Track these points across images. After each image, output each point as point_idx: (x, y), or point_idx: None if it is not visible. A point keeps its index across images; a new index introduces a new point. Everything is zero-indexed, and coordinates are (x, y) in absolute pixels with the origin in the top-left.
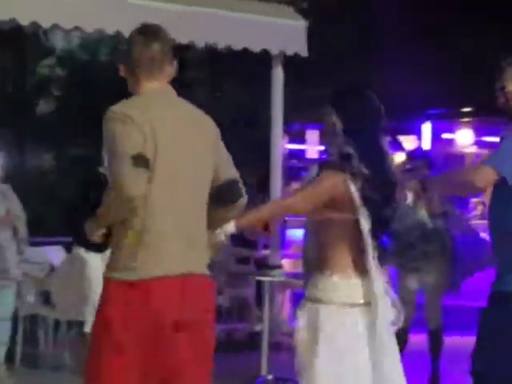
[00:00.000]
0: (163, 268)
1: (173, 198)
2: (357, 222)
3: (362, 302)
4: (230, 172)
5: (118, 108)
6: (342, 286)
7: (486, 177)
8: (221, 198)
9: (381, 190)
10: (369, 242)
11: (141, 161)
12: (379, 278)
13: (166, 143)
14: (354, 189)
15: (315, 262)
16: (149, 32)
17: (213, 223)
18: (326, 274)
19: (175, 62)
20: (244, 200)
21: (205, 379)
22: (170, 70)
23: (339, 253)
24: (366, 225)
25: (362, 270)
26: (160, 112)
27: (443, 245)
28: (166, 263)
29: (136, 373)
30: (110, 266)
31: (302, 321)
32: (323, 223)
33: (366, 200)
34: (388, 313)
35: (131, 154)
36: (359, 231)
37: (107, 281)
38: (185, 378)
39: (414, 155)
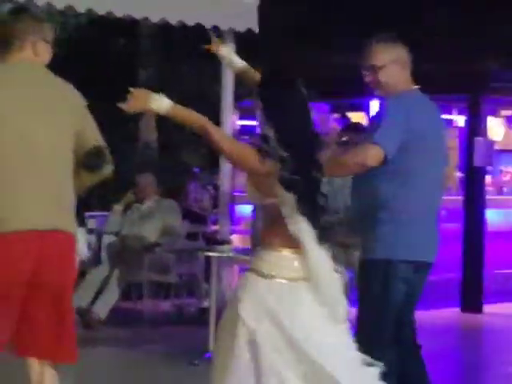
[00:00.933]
0: (22, 223)
1: (30, 161)
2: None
3: (304, 276)
4: (97, 139)
5: None
6: (284, 260)
7: (377, 155)
8: (86, 163)
9: (301, 171)
10: (292, 222)
11: None
12: (317, 254)
13: (16, 109)
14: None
15: (261, 238)
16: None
17: (79, 187)
18: (270, 249)
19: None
20: (109, 168)
21: (57, 341)
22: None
23: (279, 230)
24: (285, 207)
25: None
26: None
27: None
28: (26, 219)
29: None
30: None
31: (242, 292)
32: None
33: (286, 182)
34: (331, 284)
35: None
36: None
37: None
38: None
39: (348, 128)
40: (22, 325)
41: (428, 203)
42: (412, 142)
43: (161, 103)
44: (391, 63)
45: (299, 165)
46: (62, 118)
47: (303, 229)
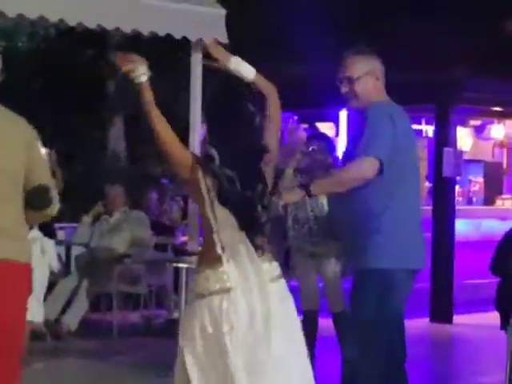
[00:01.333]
0: None
1: None
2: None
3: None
4: (44, 178)
5: None
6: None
7: (375, 166)
8: (30, 202)
9: (244, 186)
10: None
11: None
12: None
13: None
14: (204, 188)
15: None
16: None
17: (28, 220)
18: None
19: None
20: (54, 208)
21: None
22: None
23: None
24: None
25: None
26: None
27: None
28: None
29: None
30: None
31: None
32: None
33: (229, 200)
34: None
35: None
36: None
37: None
38: None
39: (314, 137)
40: None
41: (415, 211)
42: (398, 150)
43: (143, 74)
44: (366, 75)
45: (242, 180)
46: (14, 154)
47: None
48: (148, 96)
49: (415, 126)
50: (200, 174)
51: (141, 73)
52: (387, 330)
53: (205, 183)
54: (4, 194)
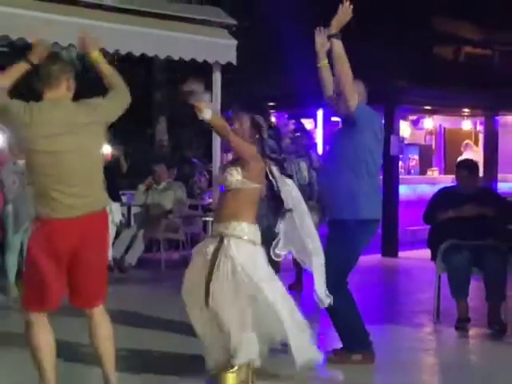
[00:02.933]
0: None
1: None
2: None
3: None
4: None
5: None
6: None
7: (355, 97)
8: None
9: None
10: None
11: None
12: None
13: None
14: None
15: (234, 213)
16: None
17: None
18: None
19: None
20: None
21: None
22: (64, 83)
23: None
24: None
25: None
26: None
27: (318, 193)
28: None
29: None
30: None
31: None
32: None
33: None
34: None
35: None
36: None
37: None
38: None
39: (298, 129)
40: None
41: (375, 179)
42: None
43: (207, 113)
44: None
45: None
46: (88, 131)
47: None
48: (218, 123)
49: None
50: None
51: (205, 112)
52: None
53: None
54: (88, 164)
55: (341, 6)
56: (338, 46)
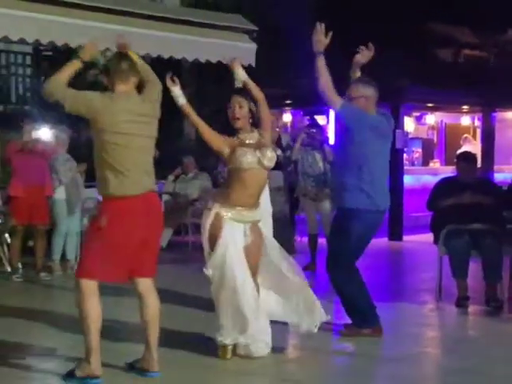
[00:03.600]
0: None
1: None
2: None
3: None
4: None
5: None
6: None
7: (337, 100)
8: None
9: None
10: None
11: None
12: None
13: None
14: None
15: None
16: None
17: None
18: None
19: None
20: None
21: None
22: (133, 79)
23: None
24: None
25: None
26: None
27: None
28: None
29: None
30: None
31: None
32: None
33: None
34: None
35: None
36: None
37: None
38: None
39: (312, 125)
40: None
41: (384, 169)
42: (370, 132)
43: (180, 96)
44: (359, 97)
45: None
46: (149, 119)
47: None
48: (188, 111)
49: None
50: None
51: (178, 95)
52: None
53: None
54: (149, 149)
55: (318, 26)
56: (321, 61)
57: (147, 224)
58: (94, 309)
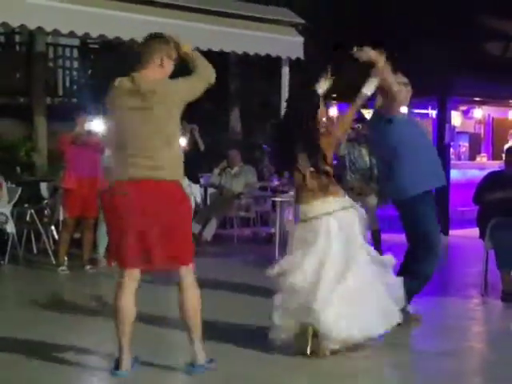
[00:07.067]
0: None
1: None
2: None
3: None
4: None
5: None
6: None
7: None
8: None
9: None
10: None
11: None
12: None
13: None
14: None
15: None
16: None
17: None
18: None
19: (168, 57)
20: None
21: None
22: (154, 61)
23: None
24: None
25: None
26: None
27: (377, 177)
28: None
29: None
30: None
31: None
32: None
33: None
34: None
35: None
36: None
37: None
38: None
39: (359, 119)
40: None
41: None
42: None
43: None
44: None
45: None
46: (167, 106)
47: None
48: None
49: (424, 111)
50: None
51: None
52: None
53: None
54: (147, 135)
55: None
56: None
57: (143, 212)
58: (125, 303)
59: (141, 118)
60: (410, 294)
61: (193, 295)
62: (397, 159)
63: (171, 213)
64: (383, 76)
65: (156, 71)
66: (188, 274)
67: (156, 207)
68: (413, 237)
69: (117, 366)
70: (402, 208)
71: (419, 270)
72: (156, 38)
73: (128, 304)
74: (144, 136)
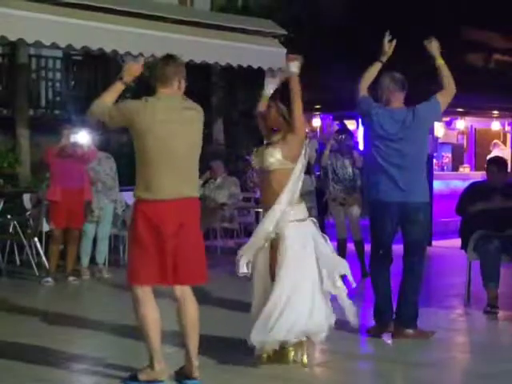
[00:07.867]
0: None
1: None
2: None
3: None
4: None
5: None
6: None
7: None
8: None
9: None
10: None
11: None
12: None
13: (164, 121)
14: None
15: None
16: (165, 59)
17: None
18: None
19: (183, 79)
20: None
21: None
22: (176, 83)
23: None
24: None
25: None
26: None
27: (360, 188)
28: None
29: None
30: None
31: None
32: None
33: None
34: None
35: None
36: None
37: None
38: None
39: (341, 130)
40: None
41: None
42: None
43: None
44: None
45: None
46: (195, 127)
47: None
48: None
49: None
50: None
51: (296, 66)
52: None
53: None
54: (195, 156)
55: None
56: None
57: (164, 231)
58: (150, 314)
59: (184, 136)
60: (417, 309)
61: (194, 309)
62: (423, 159)
63: (196, 230)
64: (445, 72)
65: (176, 92)
66: (188, 288)
67: (188, 224)
68: (418, 243)
69: (133, 376)
70: (421, 212)
71: (419, 283)
72: (176, 61)
73: (152, 311)
74: (187, 154)
